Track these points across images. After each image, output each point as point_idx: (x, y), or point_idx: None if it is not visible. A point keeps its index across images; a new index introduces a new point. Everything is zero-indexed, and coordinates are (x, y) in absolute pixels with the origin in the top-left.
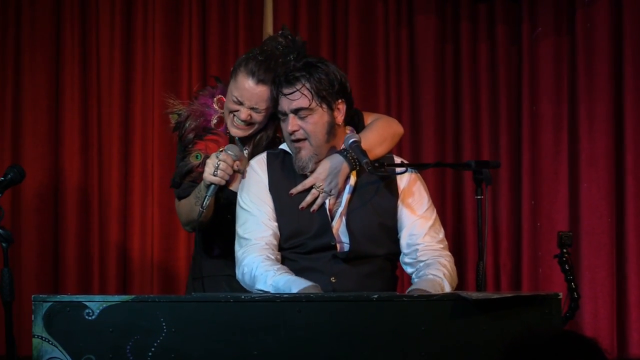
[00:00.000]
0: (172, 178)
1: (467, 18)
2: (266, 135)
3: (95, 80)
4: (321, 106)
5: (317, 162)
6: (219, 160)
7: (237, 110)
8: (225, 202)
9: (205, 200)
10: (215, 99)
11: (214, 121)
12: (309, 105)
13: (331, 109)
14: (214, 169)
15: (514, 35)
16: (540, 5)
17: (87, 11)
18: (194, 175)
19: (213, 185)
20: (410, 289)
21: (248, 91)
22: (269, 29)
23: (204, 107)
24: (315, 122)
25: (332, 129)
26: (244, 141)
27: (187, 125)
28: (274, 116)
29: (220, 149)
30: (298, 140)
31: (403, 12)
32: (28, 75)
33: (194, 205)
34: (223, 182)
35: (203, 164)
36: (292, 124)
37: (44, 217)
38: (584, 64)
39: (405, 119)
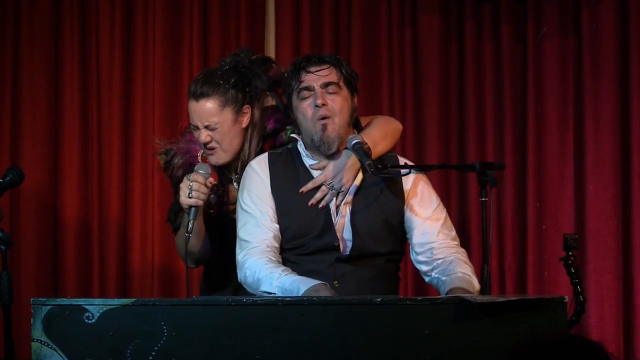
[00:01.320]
0: (167, 215)
1: (472, 17)
2: (243, 159)
3: (95, 81)
4: (347, 89)
5: (342, 150)
6: (191, 181)
7: (199, 137)
8: (220, 217)
9: (189, 224)
10: None
11: (199, 156)
12: (338, 81)
13: (352, 97)
14: (188, 191)
15: (519, 35)
16: (545, 4)
17: (86, 11)
18: None
19: (193, 208)
20: (449, 289)
21: (195, 112)
22: (271, 29)
23: (189, 143)
24: (343, 101)
25: (352, 116)
26: (230, 170)
27: (174, 162)
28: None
29: (196, 170)
30: (324, 117)
31: (407, 11)
32: (27, 75)
33: (185, 234)
34: (200, 203)
35: None
36: (321, 97)
37: (43, 219)
38: (590, 64)
39: (409, 120)
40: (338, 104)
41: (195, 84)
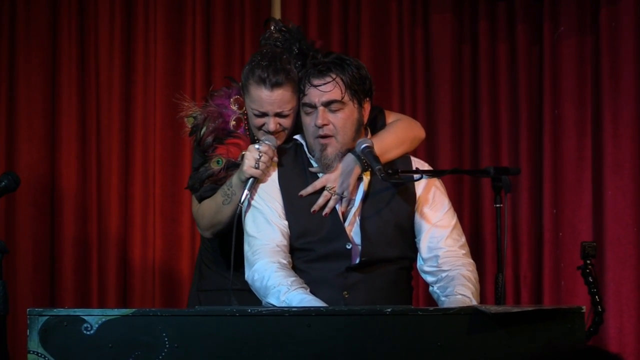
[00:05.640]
0: (191, 183)
1: (486, 17)
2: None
3: (94, 83)
4: (352, 101)
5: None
6: (261, 152)
7: (264, 124)
8: None
9: (244, 195)
10: (232, 99)
11: (232, 122)
12: (342, 98)
13: (361, 106)
14: (254, 161)
15: (535, 34)
16: (562, 3)
17: (85, 10)
18: (214, 179)
19: (253, 179)
20: None
21: (266, 100)
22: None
23: (221, 107)
24: (346, 117)
25: (359, 127)
26: None
27: (204, 128)
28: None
29: (263, 140)
30: (325, 137)
31: (418, 10)
32: (23, 77)
33: (222, 204)
34: (264, 176)
35: (225, 169)
36: (322, 117)
37: (39, 226)
38: (608, 65)
39: (420, 123)
40: (340, 121)
41: (265, 71)
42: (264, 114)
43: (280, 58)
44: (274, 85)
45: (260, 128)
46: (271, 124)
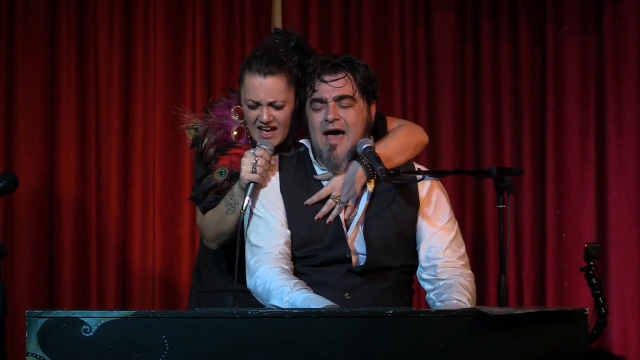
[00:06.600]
0: (195, 195)
1: (489, 16)
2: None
3: (94, 83)
4: (362, 100)
5: (350, 162)
6: (257, 156)
7: (258, 116)
8: None
9: (245, 201)
10: (232, 109)
11: (234, 133)
12: (353, 94)
13: (369, 106)
14: (251, 166)
15: (538, 34)
16: (565, 2)
17: (84, 9)
18: (218, 190)
19: (253, 185)
20: None
21: (260, 88)
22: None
23: (222, 119)
24: (357, 114)
25: (368, 128)
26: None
27: (206, 140)
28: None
29: (259, 145)
30: (336, 132)
31: (420, 9)
32: (22, 77)
33: (225, 214)
34: (263, 180)
35: (228, 179)
36: (333, 112)
37: (38, 227)
38: (612, 65)
39: (423, 124)
40: (352, 117)
41: (259, 61)
42: (257, 104)
43: (276, 50)
44: (268, 73)
45: (255, 123)
46: (264, 114)
